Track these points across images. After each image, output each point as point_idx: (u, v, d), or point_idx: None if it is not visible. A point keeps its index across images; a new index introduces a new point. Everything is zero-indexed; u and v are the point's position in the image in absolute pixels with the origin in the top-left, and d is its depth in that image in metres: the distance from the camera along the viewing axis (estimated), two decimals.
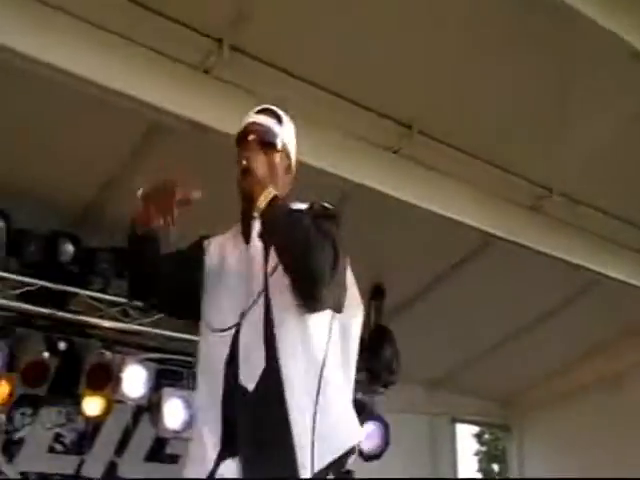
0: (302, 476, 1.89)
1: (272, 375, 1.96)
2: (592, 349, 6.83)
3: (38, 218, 4.71)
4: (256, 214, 2.08)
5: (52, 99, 3.92)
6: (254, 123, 2.22)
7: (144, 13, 3.94)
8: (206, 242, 2.28)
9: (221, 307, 2.12)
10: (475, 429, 7.55)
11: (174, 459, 5.56)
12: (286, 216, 2.02)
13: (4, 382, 4.84)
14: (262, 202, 2.02)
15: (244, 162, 2.08)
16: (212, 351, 2.08)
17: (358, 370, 6.46)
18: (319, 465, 1.91)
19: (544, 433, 7.07)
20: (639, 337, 6.73)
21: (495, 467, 7.55)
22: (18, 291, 4.75)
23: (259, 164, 2.10)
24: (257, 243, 2.13)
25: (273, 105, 2.26)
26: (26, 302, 4.77)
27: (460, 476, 7.25)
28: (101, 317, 4.95)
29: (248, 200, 2.09)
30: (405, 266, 5.59)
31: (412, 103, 4.78)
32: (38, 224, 4.74)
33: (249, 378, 1.98)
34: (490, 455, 7.69)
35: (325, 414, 1.96)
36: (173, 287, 2.19)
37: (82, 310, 5.01)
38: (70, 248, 4.81)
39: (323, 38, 4.23)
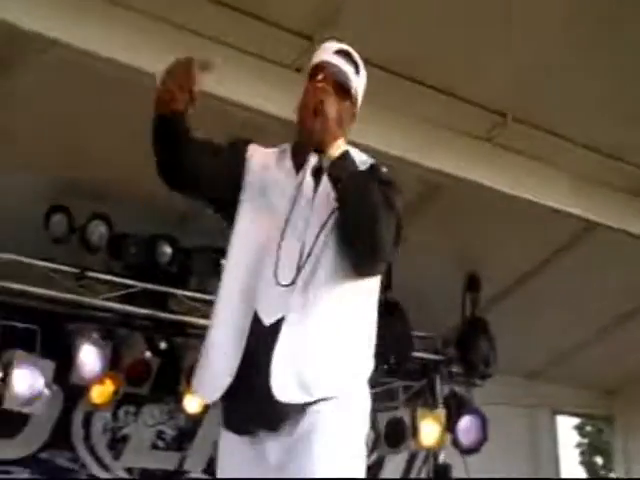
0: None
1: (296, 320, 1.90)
2: None
3: (137, 221, 4.81)
4: (324, 162, 1.99)
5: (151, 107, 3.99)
6: (333, 65, 2.11)
7: (238, 16, 4.00)
8: (250, 149, 2.16)
9: (268, 251, 1.98)
10: (576, 421, 7.30)
11: None
12: (358, 182, 1.95)
13: (109, 381, 4.99)
14: (332, 154, 1.97)
15: (320, 104, 1.98)
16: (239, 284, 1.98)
17: (455, 363, 6.31)
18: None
19: None
20: None
21: (599, 460, 7.24)
22: (120, 293, 4.88)
23: (332, 108, 2.01)
24: (309, 180, 2.05)
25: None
26: (128, 304, 4.90)
27: (562, 469, 7.05)
28: (199, 316, 5.02)
29: (312, 140, 2.00)
30: (501, 256, 5.46)
31: (506, 91, 4.67)
32: (137, 227, 4.84)
33: (268, 315, 1.91)
34: (593, 447, 7.39)
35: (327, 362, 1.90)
36: (202, 170, 2.07)
37: (181, 310, 5.11)
38: (168, 250, 4.91)
39: (414, 29, 4.17)
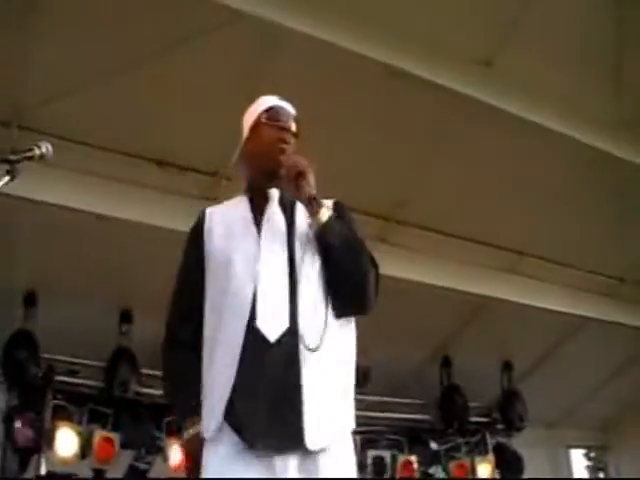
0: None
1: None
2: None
3: None
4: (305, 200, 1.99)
5: None
6: (292, 114, 2.14)
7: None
8: (205, 231, 2.11)
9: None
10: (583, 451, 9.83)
11: None
12: (348, 234, 1.97)
13: None
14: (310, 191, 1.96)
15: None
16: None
17: (499, 422, 8.50)
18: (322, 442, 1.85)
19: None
20: None
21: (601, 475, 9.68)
22: None
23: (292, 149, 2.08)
24: (277, 214, 2.03)
25: None
26: None
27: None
28: None
29: (289, 172, 1.98)
30: (525, 347, 7.73)
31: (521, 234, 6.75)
32: None
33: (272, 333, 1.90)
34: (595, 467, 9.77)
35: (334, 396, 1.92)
36: None
37: None
38: None
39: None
